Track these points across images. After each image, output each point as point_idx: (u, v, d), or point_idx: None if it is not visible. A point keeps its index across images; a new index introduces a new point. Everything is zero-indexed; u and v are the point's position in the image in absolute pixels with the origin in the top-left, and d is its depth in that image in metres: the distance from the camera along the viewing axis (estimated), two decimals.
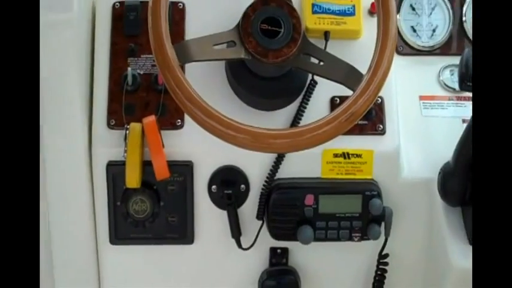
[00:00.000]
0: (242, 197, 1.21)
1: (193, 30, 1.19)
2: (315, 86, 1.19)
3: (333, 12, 1.19)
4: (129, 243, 1.22)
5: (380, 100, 1.17)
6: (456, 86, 1.09)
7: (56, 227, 1.20)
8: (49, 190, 1.18)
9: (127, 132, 1.15)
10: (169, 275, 1.27)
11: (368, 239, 1.20)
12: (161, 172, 1.13)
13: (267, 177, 1.20)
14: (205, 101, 1.02)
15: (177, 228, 1.21)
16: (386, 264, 1.20)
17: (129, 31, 1.20)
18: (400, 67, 1.25)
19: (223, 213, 1.21)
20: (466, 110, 1.24)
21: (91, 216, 1.20)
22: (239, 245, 1.22)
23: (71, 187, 1.18)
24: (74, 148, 1.17)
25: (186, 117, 1.17)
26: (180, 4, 1.20)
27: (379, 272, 1.23)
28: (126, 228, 1.21)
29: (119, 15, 1.20)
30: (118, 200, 1.19)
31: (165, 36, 1.03)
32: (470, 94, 1.12)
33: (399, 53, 1.30)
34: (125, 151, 1.14)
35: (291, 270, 1.25)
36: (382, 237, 1.18)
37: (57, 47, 1.14)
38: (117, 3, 1.20)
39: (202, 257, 1.25)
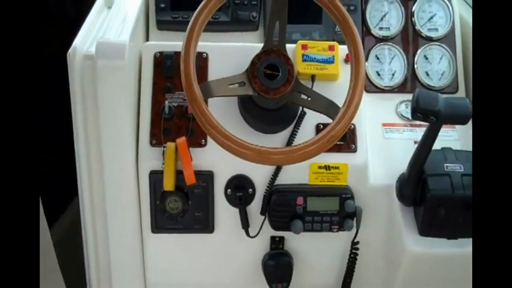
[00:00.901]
0: (250, 198, 1.19)
1: (214, 73, 1.18)
2: (304, 116, 1.18)
3: (318, 61, 1.17)
4: (165, 232, 1.21)
5: (353, 126, 1.16)
6: (409, 116, 1.07)
7: (112, 220, 1.18)
8: (106, 192, 1.16)
9: (164, 149, 1.13)
10: (194, 256, 1.25)
11: (344, 230, 1.18)
12: (190, 179, 1.11)
13: (269, 184, 1.19)
14: (222, 126, 1.01)
15: (201, 221, 1.20)
16: (357, 249, 1.19)
17: (166, 74, 1.18)
18: (368, 102, 1.24)
19: (236, 210, 1.19)
20: (417, 134, 1.21)
21: (137, 212, 1.18)
22: (247, 234, 1.20)
23: (123, 189, 1.17)
24: (126, 160, 1.15)
25: (209, 138, 1.14)
26: (204, 54, 1.19)
27: (352, 255, 1.21)
28: (163, 221, 1.18)
29: (159, 62, 1.18)
30: (157, 200, 1.17)
31: (193, 78, 1.02)
32: (420, 122, 1.09)
33: (367, 91, 1.29)
34: (163, 163, 1.12)
35: (286, 253, 1.23)
36: (354, 229, 1.16)
37: (113, 86, 1.11)
38: (158, 53, 1.18)
39: (219, 242, 1.23)
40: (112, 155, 1.15)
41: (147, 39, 1.25)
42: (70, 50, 1.11)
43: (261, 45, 1.09)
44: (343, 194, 1.16)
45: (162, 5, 1.25)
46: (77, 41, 1.13)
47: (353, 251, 1.21)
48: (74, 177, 1.19)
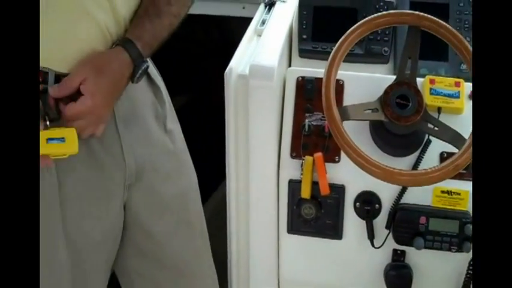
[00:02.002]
0: (376, 213, 1.26)
1: (348, 98, 1.25)
2: (429, 143, 1.22)
3: (444, 95, 1.20)
4: (299, 234, 1.31)
5: None
6: None
7: (254, 218, 1.33)
8: (250, 194, 1.30)
9: (303, 161, 1.24)
10: (323, 258, 1.34)
11: (462, 251, 1.22)
12: (324, 189, 1.21)
13: (394, 201, 1.25)
14: (356, 145, 1.08)
15: (331, 228, 1.29)
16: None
17: (306, 96, 1.28)
18: None
19: (363, 222, 1.27)
20: None
21: (276, 213, 1.31)
22: (372, 244, 1.26)
23: (265, 193, 1.30)
24: (269, 168, 1.29)
25: (342, 155, 1.23)
26: (340, 81, 1.25)
27: (468, 276, 1.24)
28: (298, 224, 1.29)
29: (300, 85, 1.28)
30: (294, 205, 1.28)
31: (333, 101, 1.11)
32: None
33: None
34: (301, 174, 1.24)
35: (407, 266, 1.28)
36: (471, 252, 1.20)
37: (261, 103, 1.24)
38: (300, 77, 1.28)
39: (346, 249, 1.30)
40: (257, 162, 1.28)
41: (290, 65, 1.39)
42: (227, 70, 1.28)
43: (391, 77, 1.19)
44: (463, 218, 1.21)
45: (304, 36, 1.39)
46: (233, 63, 1.30)
47: (469, 271, 1.24)
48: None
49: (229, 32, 2.10)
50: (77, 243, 1.07)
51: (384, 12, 1.18)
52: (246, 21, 1.59)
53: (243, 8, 1.62)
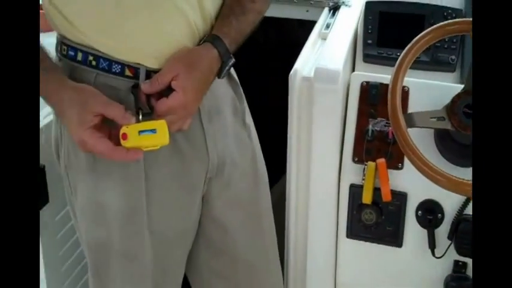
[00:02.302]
0: (438, 222, 1.25)
1: (413, 106, 1.24)
2: None
3: None
4: (358, 239, 1.32)
5: None
6: None
7: (313, 219, 1.34)
8: (310, 196, 1.31)
9: (365, 167, 1.25)
10: (381, 264, 1.34)
11: None
12: (386, 196, 1.22)
13: (458, 212, 1.24)
14: (421, 153, 1.06)
15: (391, 235, 1.29)
16: None
17: (370, 101, 1.28)
18: None
19: (424, 231, 1.26)
20: None
21: (335, 217, 1.33)
22: (433, 254, 1.26)
23: (325, 196, 1.31)
24: (330, 171, 1.30)
25: (405, 162, 1.22)
26: (406, 87, 1.25)
27: None
28: (357, 228, 1.30)
29: (364, 90, 1.28)
30: (355, 210, 1.29)
31: (399, 108, 1.09)
32: None
33: None
34: (363, 179, 1.25)
35: (468, 277, 1.27)
36: None
37: (325, 106, 1.25)
38: (364, 82, 1.28)
39: (406, 257, 1.30)
40: (319, 165, 1.29)
41: (353, 70, 1.39)
42: (292, 72, 1.29)
43: (458, 85, 1.18)
44: None
45: (370, 41, 1.39)
46: (298, 65, 1.31)
47: None
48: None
49: (286, 34, 2.12)
50: (160, 235, 1.09)
51: (454, 20, 1.17)
52: (302, 23, 1.61)
53: (307, 11, 1.64)
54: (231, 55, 1.05)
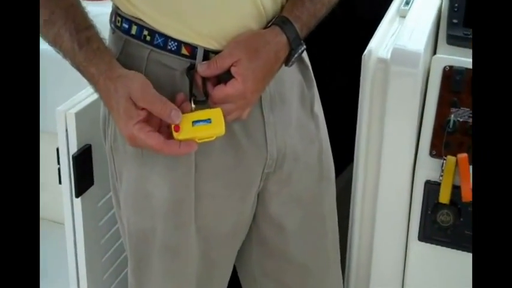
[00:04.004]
0: None
1: None
2: None
3: None
4: (431, 242, 1.26)
5: None
6: None
7: (380, 218, 1.29)
8: (379, 191, 1.27)
9: (444, 162, 1.19)
10: (456, 273, 1.28)
11: None
12: (467, 196, 1.16)
13: None
14: None
15: (470, 240, 1.21)
16: None
17: (454, 88, 1.22)
18: None
19: None
20: None
21: (406, 217, 1.27)
22: None
23: (396, 193, 1.26)
24: (403, 165, 1.25)
25: None
26: None
27: None
28: (432, 231, 1.25)
29: (447, 75, 1.22)
30: (429, 210, 1.24)
31: None
32: None
33: None
34: (441, 175, 1.19)
35: None
36: None
37: (402, 91, 1.20)
38: (447, 67, 1.22)
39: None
40: (390, 157, 1.25)
41: (435, 52, 1.33)
42: (365, 52, 1.24)
43: None
44: None
45: (455, 21, 1.32)
46: (372, 45, 1.26)
47: None
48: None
49: (355, 10, 2.06)
50: (207, 231, 1.05)
51: None
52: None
53: None
54: (302, 41, 0.98)
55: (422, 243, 1.27)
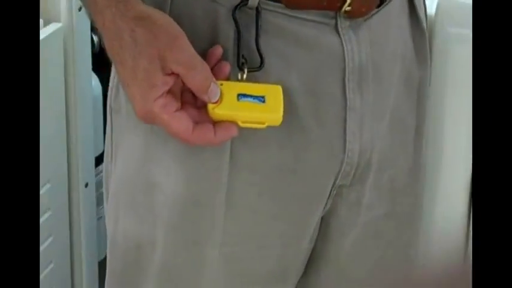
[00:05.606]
0: None
1: None
2: None
3: None
4: None
5: None
6: None
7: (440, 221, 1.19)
8: (439, 191, 1.15)
9: None
10: None
11: None
12: None
13: None
14: None
15: None
16: None
17: None
18: None
19: None
20: None
21: (467, 218, 1.17)
22: None
23: (457, 190, 1.15)
24: (464, 156, 1.10)
25: None
26: None
27: None
28: None
29: None
30: None
31: None
32: None
33: None
34: None
35: None
36: None
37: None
38: None
39: None
40: (450, 145, 1.12)
41: None
42: None
43: None
44: None
45: None
46: None
47: None
48: None
49: None
50: (235, 261, 0.74)
51: None
52: None
53: None
54: None
55: None
